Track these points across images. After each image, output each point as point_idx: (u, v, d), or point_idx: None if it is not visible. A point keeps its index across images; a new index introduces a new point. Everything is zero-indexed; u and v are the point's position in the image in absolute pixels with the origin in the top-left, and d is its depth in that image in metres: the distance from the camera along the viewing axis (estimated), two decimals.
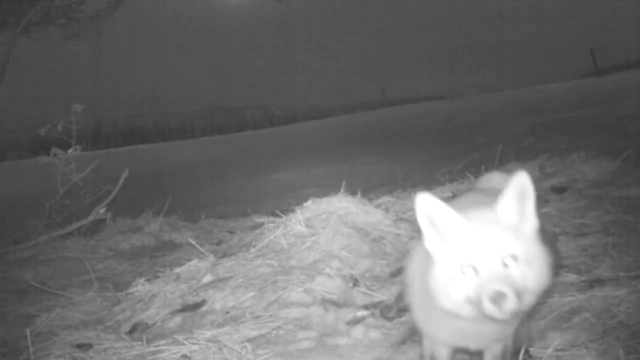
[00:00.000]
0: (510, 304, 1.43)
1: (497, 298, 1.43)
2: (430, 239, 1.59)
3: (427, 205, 1.58)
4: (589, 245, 2.91)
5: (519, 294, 1.45)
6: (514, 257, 1.50)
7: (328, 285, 2.75)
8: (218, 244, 4.06)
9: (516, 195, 1.56)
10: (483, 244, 1.52)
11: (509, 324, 1.66)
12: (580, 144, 4.89)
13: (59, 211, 4.89)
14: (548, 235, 2.05)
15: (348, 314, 2.51)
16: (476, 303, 1.48)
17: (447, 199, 1.71)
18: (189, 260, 3.28)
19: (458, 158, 5.66)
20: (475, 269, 1.50)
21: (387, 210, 3.76)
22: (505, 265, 1.50)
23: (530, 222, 1.57)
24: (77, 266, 3.96)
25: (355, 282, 2.78)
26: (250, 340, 2.36)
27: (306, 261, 2.95)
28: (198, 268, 3.23)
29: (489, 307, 1.45)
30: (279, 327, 2.47)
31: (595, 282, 2.45)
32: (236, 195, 6.85)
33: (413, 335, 2.29)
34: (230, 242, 3.95)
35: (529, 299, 1.52)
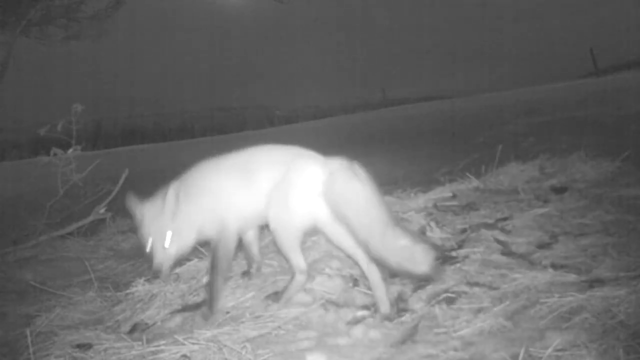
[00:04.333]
0: (163, 269, 2.61)
1: (156, 267, 2.59)
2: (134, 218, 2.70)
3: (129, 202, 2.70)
4: (589, 245, 2.91)
5: (170, 258, 2.64)
6: (171, 234, 2.60)
7: (328, 285, 2.76)
8: None
9: (173, 195, 2.62)
10: (154, 224, 2.61)
11: None
12: (580, 144, 4.88)
13: (59, 211, 4.88)
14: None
15: (348, 314, 2.51)
16: None
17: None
18: (189, 260, 3.28)
19: (458, 158, 5.65)
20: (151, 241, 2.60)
21: None
22: (164, 240, 2.59)
23: (181, 208, 2.65)
24: (77, 266, 3.96)
25: (355, 282, 2.78)
26: (250, 340, 2.36)
27: (306, 261, 2.95)
28: (198, 268, 3.24)
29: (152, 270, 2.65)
30: (279, 327, 2.47)
31: (595, 282, 2.45)
32: None
33: (413, 335, 2.30)
34: None
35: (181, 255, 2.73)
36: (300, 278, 2.67)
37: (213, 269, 2.74)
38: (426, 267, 2.45)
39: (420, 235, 2.88)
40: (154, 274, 2.72)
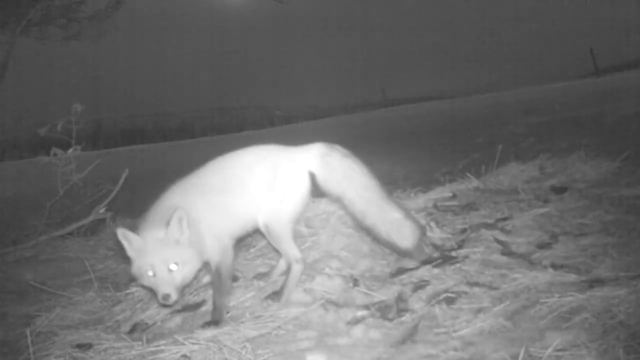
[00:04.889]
0: (173, 298, 2.44)
1: (165, 297, 2.43)
2: (127, 251, 2.51)
3: (122, 234, 2.49)
4: (589, 245, 2.91)
5: (177, 288, 2.47)
6: (177, 263, 2.46)
7: (328, 285, 2.76)
8: None
9: (178, 222, 2.47)
10: (156, 254, 2.45)
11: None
12: (580, 144, 4.88)
13: (59, 211, 4.88)
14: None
15: (348, 314, 2.51)
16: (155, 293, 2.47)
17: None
18: None
19: (458, 158, 5.65)
20: (153, 272, 2.44)
21: None
22: (170, 270, 2.45)
23: (185, 235, 2.49)
24: (77, 266, 3.96)
25: (355, 282, 2.78)
26: (250, 340, 2.36)
27: (306, 261, 2.95)
28: None
29: (160, 302, 2.47)
30: (279, 327, 2.47)
31: (595, 282, 2.45)
32: None
33: (413, 335, 2.30)
34: None
35: (186, 283, 2.57)
36: (297, 267, 2.74)
37: (218, 289, 2.69)
38: (409, 243, 2.73)
39: (410, 213, 2.95)
40: (161, 304, 2.57)
